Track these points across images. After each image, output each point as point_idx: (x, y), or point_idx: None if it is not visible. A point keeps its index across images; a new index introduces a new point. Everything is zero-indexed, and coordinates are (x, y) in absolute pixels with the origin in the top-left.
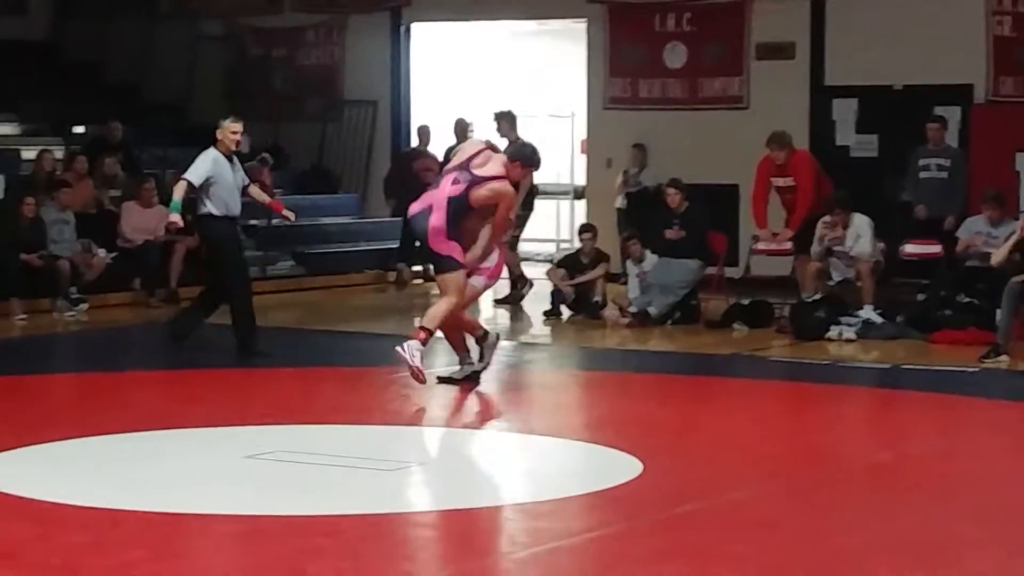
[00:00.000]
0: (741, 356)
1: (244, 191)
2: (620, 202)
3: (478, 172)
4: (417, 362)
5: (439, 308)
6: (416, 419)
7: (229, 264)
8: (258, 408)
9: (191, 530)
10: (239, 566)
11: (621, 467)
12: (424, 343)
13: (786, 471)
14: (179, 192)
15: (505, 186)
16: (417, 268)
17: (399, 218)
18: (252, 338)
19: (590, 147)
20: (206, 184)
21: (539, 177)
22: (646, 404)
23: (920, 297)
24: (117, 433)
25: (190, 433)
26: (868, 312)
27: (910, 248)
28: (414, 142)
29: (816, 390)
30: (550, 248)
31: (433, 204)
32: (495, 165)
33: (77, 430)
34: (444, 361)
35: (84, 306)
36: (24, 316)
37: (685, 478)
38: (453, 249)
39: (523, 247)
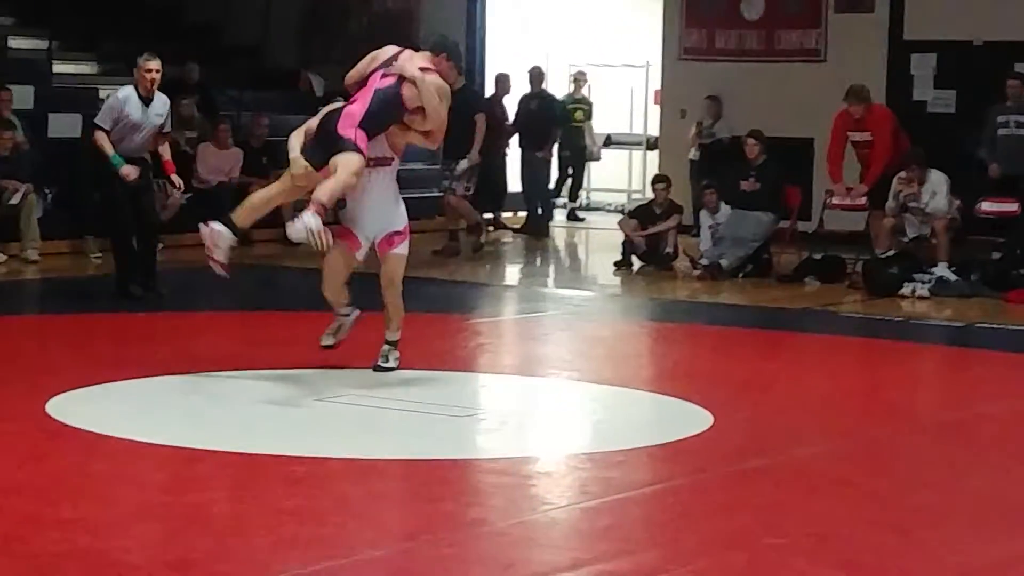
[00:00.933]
0: (813, 311)
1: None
2: (693, 154)
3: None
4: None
5: (334, 182)
6: (488, 366)
7: (105, 200)
8: (328, 351)
9: (265, 471)
10: (312, 507)
11: (692, 419)
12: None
13: (859, 428)
14: (104, 144)
15: (441, 82)
16: (487, 215)
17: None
18: (124, 279)
19: (664, 98)
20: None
21: (611, 126)
22: (717, 357)
23: (996, 256)
24: (191, 373)
25: (262, 374)
26: (942, 269)
27: (986, 206)
28: (489, 90)
29: (888, 347)
30: (621, 198)
31: (357, 98)
32: (420, 60)
33: (150, 369)
34: None
35: (160, 246)
36: (100, 254)
37: (756, 432)
38: (360, 138)
39: (595, 196)
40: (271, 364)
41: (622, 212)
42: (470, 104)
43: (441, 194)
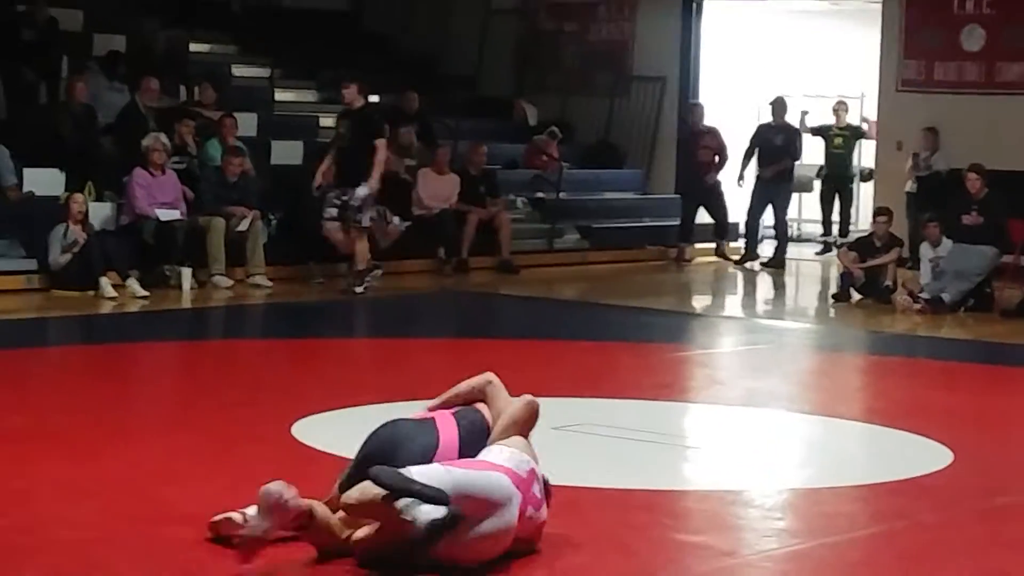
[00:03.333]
0: None
1: None
2: (910, 186)
3: None
4: None
5: None
6: (714, 398)
7: None
8: (557, 379)
9: None
10: (563, 535)
11: (931, 455)
12: None
13: None
14: None
15: None
16: (699, 245)
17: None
18: None
19: (880, 129)
20: None
21: (822, 158)
22: (946, 392)
23: None
24: (422, 399)
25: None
26: None
27: None
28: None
29: None
30: (834, 230)
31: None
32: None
33: (384, 394)
34: None
35: (379, 272)
36: (322, 280)
37: (1000, 469)
38: None
39: (806, 228)
40: None
41: (834, 244)
42: (370, 127)
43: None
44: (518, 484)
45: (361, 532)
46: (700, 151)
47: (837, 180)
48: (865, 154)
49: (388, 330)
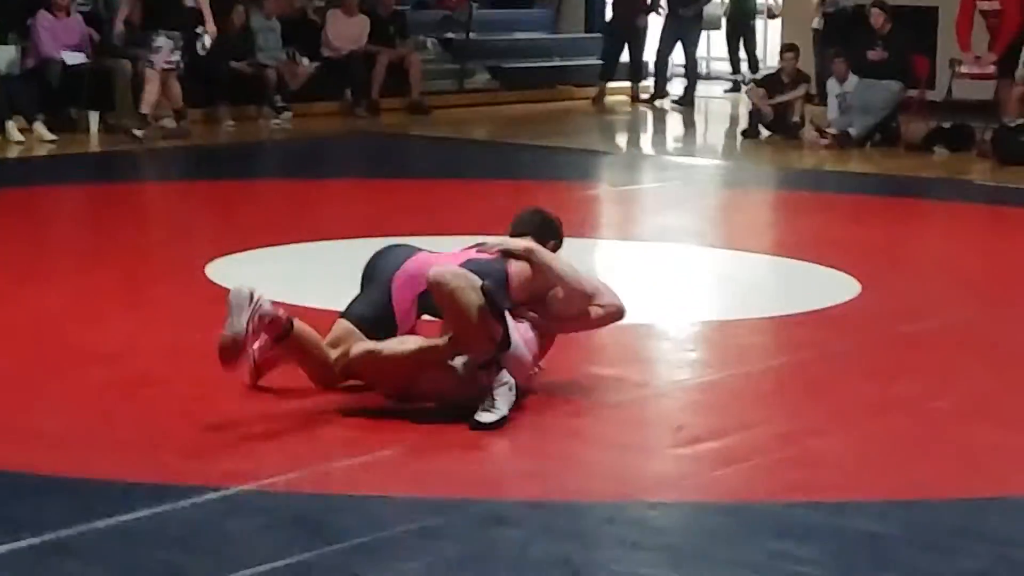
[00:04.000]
0: (943, 180)
1: None
2: (817, 23)
3: None
4: None
5: None
6: (626, 234)
7: None
8: (471, 219)
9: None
10: None
11: (839, 286)
12: None
13: (1008, 295)
14: None
15: None
16: (610, 85)
17: (596, 34)
18: None
19: None
20: None
21: None
22: (854, 225)
23: None
24: (338, 239)
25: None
26: None
27: None
28: None
29: (1020, 214)
30: (743, 68)
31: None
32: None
33: (299, 235)
34: None
35: (288, 115)
36: (232, 123)
37: (906, 299)
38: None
39: (715, 66)
40: (415, 230)
41: (742, 82)
42: None
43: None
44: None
45: (365, 347)
46: None
47: (740, 17)
48: None
49: (300, 172)
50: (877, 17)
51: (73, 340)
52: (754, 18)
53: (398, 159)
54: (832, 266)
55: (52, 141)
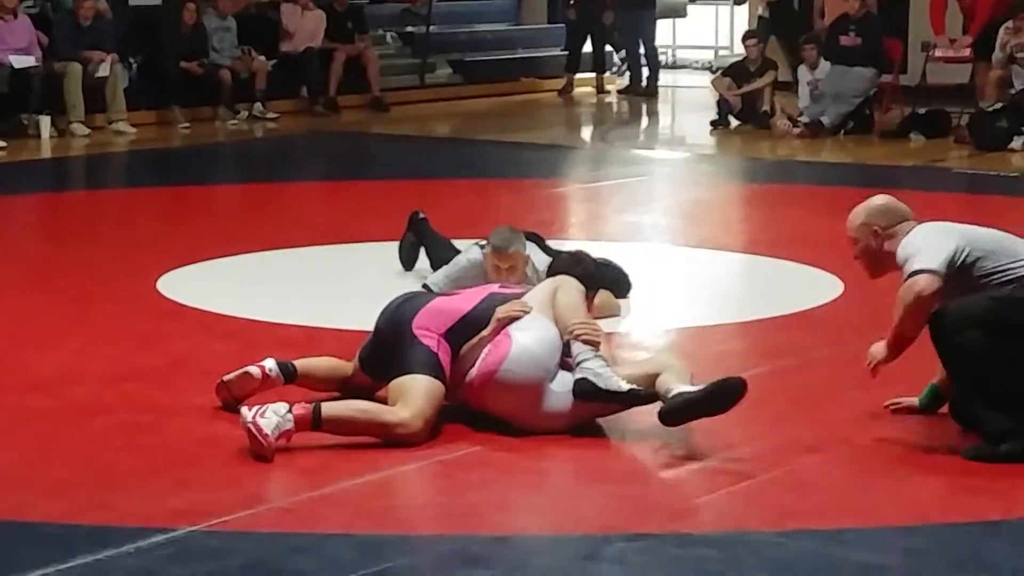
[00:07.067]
0: (920, 168)
1: None
2: (762, 10)
3: None
4: None
5: None
6: (596, 233)
7: None
8: (435, 220)
9: None
10: None
11: (821, 286)
12: None
13: None
14: None
15: None
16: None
17: (559, 24)
18: None
19: None
20: None
21: None
22: (831, 218)
23: None
24: (298, 247)
25: (370, 247)
26: None
27: None
28: None
29: (1001, 202)
30: (708, 55)
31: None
32: None
33: (256, 243)
34: None
35: (244, 114)
36: (187, 125)
37: (893, 297)
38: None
39: (680, 54)
40: (377, 236)
41: (710, 70)
42: None
43: None
44: None
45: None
46: None
47: None
48: None
49: (258, 175)
50: (853, 2)
51: (10, 364)
52: None
53: (359, 159)
54: (811, 264)
55: (2, 148)
